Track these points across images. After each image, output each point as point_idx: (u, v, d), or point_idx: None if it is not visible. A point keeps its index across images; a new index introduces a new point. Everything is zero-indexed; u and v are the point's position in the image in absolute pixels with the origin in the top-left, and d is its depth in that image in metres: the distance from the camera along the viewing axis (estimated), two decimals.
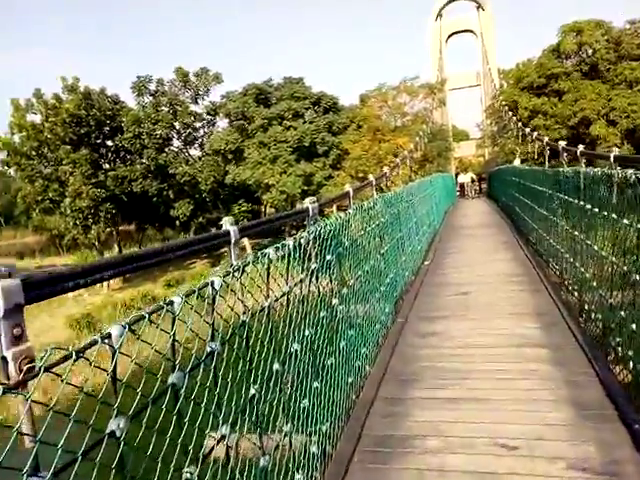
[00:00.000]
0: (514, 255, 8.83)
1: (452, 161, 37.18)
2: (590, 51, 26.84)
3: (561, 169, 6.22)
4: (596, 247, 4.39)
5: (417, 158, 26.47)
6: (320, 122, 27.30)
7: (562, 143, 8.51)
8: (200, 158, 30.26)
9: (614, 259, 3.82)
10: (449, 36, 37.98)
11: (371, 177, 6.89)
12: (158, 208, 31.04)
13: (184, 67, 28.94)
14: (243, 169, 26.31)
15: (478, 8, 36.26)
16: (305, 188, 26.41)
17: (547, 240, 7.36)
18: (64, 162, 25.32)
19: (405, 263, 7.10)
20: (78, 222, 26.29)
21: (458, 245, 10.81)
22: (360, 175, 26.35)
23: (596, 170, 4.32)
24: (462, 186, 32.38)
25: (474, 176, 32.62)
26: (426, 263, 8.97)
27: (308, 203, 3.20)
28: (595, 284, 4.44)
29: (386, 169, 11.05)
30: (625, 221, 3.46)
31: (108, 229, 29.05)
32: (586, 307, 4.81)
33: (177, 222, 31.17)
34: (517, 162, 22.19)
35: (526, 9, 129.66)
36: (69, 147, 25.38)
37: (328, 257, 3.19)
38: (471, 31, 37.45)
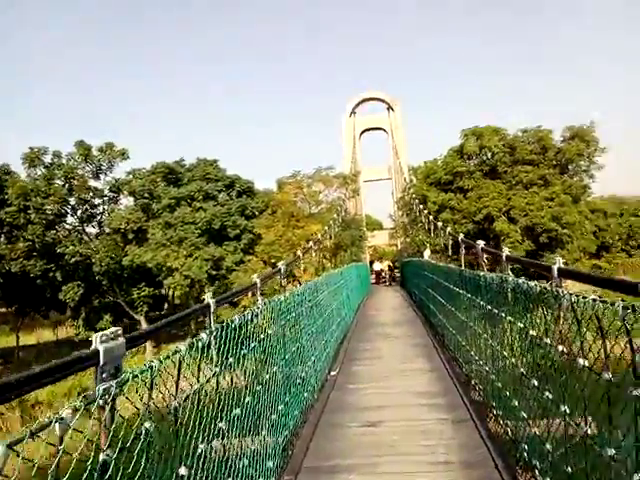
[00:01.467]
0: (431, 364, 7.59)
1: (366, 249, 37.42)
2: (489, 154, 29.10)
3: (463, 270, 6.19)
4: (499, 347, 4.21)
5: (330, 246, 25.93)
6: (233, 205, 26.22)
7: (461, 236, 8.05)
8: (97, 237, 27.48)
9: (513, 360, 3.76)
10: (362, 132, 40.03)
11: (280, 264, 5.99)
12: (44, 290, 27.20)
13: (86, 141, 26.99)
14: (144, 250, 24.00)
15: (388, 109, 38.93)
16: (213, 273, 24.53)
17: (464, 347, 6.34)
18: None
19: (304, 384, 5.52)
20: None
21: (371, 347, 9.48)
22: (273, 260, 25.09)
23: (493, 275, 4.51)
24: (377, 274, 33.32)
25: (390, 264, 33.28)
26: (333, 373, 7.46)
27: (209, 299, 2.99)
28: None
29: (299, 252, 9.83)
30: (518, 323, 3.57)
31: None
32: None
33: (68, 306, 27.38)
34: (427, 253, 22.28)
35: (433, 111, 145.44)
36: None
37: (230, 359, 3.04)
38: (382, 129, 39.81)
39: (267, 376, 4.07)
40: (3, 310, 31.60)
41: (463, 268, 6.55)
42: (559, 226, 24.01)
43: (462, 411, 5.19)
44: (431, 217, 16.57)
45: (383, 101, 39.53)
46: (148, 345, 26.44)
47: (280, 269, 5.93)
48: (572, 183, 25.85)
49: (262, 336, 4.09)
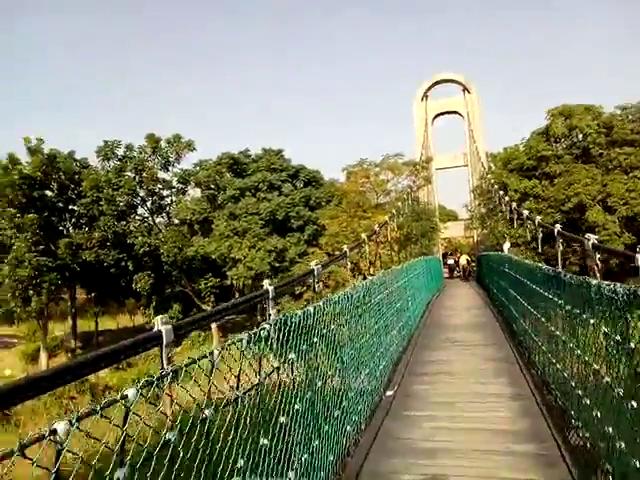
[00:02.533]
0: (513, 389, 6.03)
1: (438, 242, 35.19)
2: (580, 136, 25.84)
3: (561, 273, 4.68)
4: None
5: (399, 237, 24.33)
6: (296, 195, 25.40)
7: (558, 226, 6.07)
8: (166, 227, 27.92)
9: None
10: (435, 116, 37.59)
11: (345, 247, 6.33)
12: (119, 279, 28.18)
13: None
14: (209, 241, 23.87)
15: (464, 91, 36.15)
16: (276, 265, 23.90)
17: (558, 371, 4.85)
18: (7, 226, 22.74)
19: (346, 417, 4.29)
20: (17, 293, 23.21)
21: (438, 359, 8.04)
22: (337, 252, 24.04)
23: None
24: (450, 268, 31.14)
25: (468, 257, 31.00)
26: (389, 393, 6.17)
27: (267, 285, 2.95)
28: None
29: (364, 235, 8.86)
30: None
31: (52, 301, 25.87)
32: None
33: (141, 294, 28.18)
34: (507, 246, 19.99)
35: (514, 93, 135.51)
36: (14, 210, 22.95)
37: (291, 355, 2.99)
38: (457, 113, 37.11)
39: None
40: (84, 297, 33.27)
41: (561, 270, 4.91)
42: None
43: (560, 469, 3.71)
44: (514, 204, 14.54)
45: (458, 82, 36.79)
46: (215, 334, 26.51)
47: (345, 252, 6.03)
48: None
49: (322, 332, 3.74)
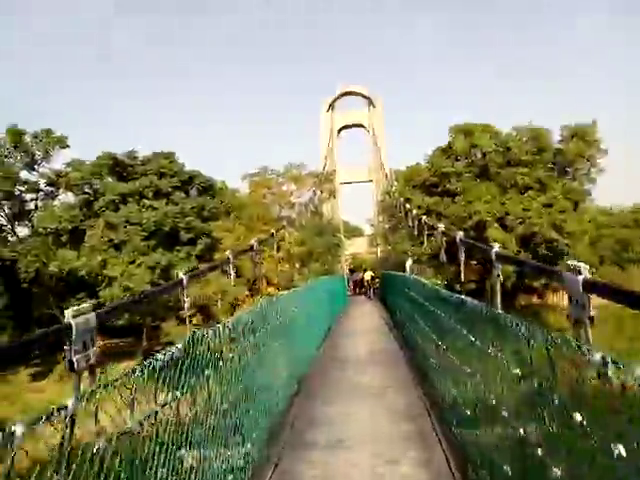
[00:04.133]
0: (429, 467, 4.26)
1: (343, 258, 34.13)
2: (480, 154, 26.20)
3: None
4: None
5: (301, 253, 22.58)
6: (188, 204, 22.59)
7: (460, 234, 5.56)
8: (29, 237, 23.48)
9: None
10: (341, 129, 36.88)
11: (228, 253, 5.51)
12: None
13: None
14: (76, 255, 20.17)
15: (369, 105, 35.89)
16: (161, 283, 20.82)
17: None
18: None
19: None
20: None
21: (331, 417, 6.07)
22: (233, 271, 21.64)
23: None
24: (356, 284, 30.86)
25: (372, 274, 30.46)
26: None
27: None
28: None
29: (253, 242, 7.11)
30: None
31: None
32: None
33: None
34: (409, 263, 19.12)
35: (415, 111, 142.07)
36: None
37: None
38: (363, 126, 36.73)
39: None
40: None
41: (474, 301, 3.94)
42: (560, 235, 21.13)
43: None
44: (417, 213, 13.65)
45: (363, 96, 36.47)
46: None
47: (229, 258, 5.35)
48: (573, 188, 23.01)
49: None
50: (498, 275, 3.71)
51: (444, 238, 9.38)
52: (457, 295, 4.73)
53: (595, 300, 2.21)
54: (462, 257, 5.65)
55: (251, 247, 7.16)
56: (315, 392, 7.18)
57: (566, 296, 2.35)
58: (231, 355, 3.95)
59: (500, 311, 3.17)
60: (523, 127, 25.15)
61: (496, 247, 3.78)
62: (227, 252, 5.47)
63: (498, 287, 3.73)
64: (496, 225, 22.33)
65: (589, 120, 24.52)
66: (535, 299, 28.17)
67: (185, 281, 3.67)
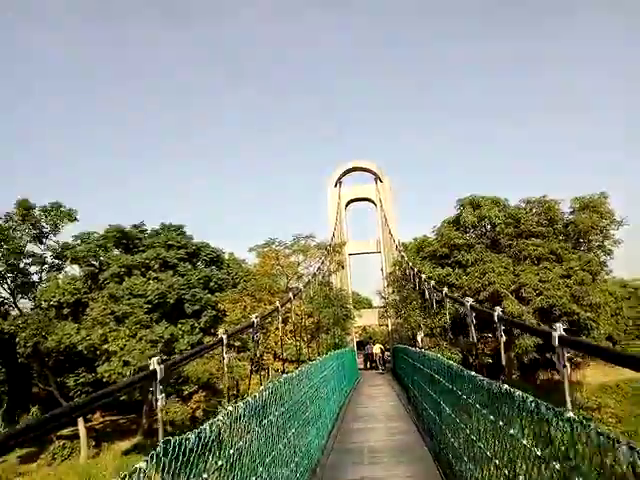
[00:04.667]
0: None
1: (352, 330, 32.97)
2: (489, 226, 25.97)
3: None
4: None
5: (309, 326, 21.68)
6: (194, 276, 22.15)
7: (469, 301, 5.50)
8: (32, 310, 22.91)
9: None
10: (349, 202, 37.23)
11: (221, 332, 4.74)
12: None
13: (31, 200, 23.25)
14: (77, 329, 19.45)
15: (376, 180, 36.46)
16: (164, 358, 19.83)
17: None
18: None
19: None
20: None
21: None
22: (237, 344, 20.71)
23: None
24: (367, 358, 31.05)
25: (381, 347, 31.12)
26: None
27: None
28: None
29: (253, 318, 6.47)
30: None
31: None
32: None
33: None
34: (421, 336, 18.25)
35: (425, 185, 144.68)
36: None
37: None
38: (370, 200, 37.09)
39: None
40: None
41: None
42: (581, 308, 20.18)
43: None
44: (423, 276, 13.09)
45: (370, 171, 37.14)
46: (83, 441, 21.13)
47: (254, 322, 5.28)
48: (590, 258, 22.33)
49: None
50: (501, 335, 3.87)
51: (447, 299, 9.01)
52: (473, 373, 4.54)
53: None
54: (473, 322, 5.49)
55: (251, 324, 6.52)
56: None
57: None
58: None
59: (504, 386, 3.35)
60: (532, 199, 25.05)
61: (498, 310, 3.91)
62: (220, 331, 4.95)
63: (502, 347, 4.01)
64: (511, 297, 21.49)
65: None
66: (557, 375, 26.61)
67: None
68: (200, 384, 18.90)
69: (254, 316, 5.83)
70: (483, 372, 4.54)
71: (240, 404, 3.88)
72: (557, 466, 2.48)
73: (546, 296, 20.40)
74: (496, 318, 3.89)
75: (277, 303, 7.49)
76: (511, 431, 3.31)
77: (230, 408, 3.51)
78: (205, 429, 2.76)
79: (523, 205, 25.53)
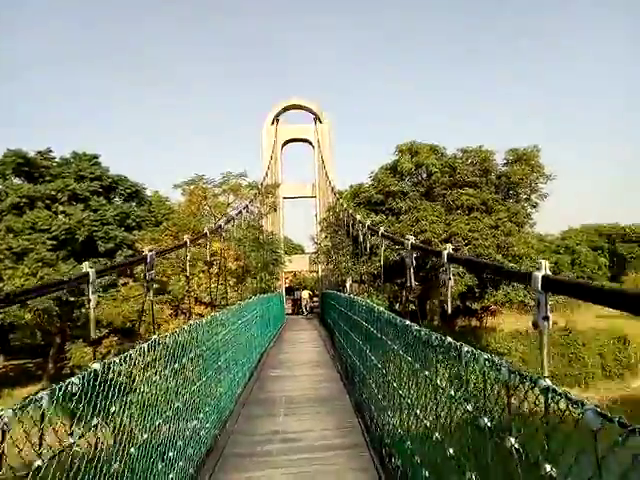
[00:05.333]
0: None
1: (282, 276, 32.35)
2: (425, 174, 25.65)
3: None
4: None
5: (237, 269, 20.59)
6: (108, 211, 20.00)
7: (411, 238, 4.84)
8: None
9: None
10: (286, 142, 35.41)
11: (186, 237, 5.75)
12: None
13: None
14: None
15: (316, 120, 34.78)
16: (71, 300, 18.04)
17: None
18: None
19: None
20: None
21: None
22: (156, 286, 19.24)
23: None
24: (294, 303, 32.57)
25: (310, 292, 33.00)
26: None
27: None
28: None
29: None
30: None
31: None
32: None
33: None
34: (349, 282, 17.88)
35: (363, 127, 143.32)
36: None
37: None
38: (308, 141, 35.48)
39: None
40: None
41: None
42: (505, 259, 20.60)
43: None
44: (358, 217, 12.56)
45: (310, 111, 35.32)
46: None
47: (147, 256, 4.27)
48: (518, 210, 22.73)
49: None
50: (450, 278, 3.65)
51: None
52: (400, 318, 4.51)
53: None
54: (412, 264, 4.98)
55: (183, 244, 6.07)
56: (232, 458, 5.38)
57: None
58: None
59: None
60: (469, 149, 24.87)
61: (449, 247, 3.65)
62: (146, 249, 4.44)
63: (450, 291, 3.53)
64: (442, 246, 21.50)
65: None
66: (475, 322, 27.78)
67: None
68: (112, 328, 17.42)
69: (147, 249, 4.75)
70: (408, 318, 4.36)
71: (143, 345, 3.52)
72: (469, 407, 2.59)
73: (474, 245, 20.62)
74: (445, 258, 3.43)
75: (185, 237, 6.33)
76: (426, 372, 3.42)
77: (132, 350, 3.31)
78: (96, 369, 2.65)
79: (460, 154, 25.35)
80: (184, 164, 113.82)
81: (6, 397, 19.89)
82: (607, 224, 36.12)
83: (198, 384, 5.26)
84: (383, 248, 8.59)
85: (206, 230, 10.45)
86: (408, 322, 4.17)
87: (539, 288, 1.98)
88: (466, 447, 2.67)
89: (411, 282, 5.16)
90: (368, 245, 11.31)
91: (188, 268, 8.10)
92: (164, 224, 23.35)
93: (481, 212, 22.58)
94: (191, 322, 5.37)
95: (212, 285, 17.09)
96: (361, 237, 13.86)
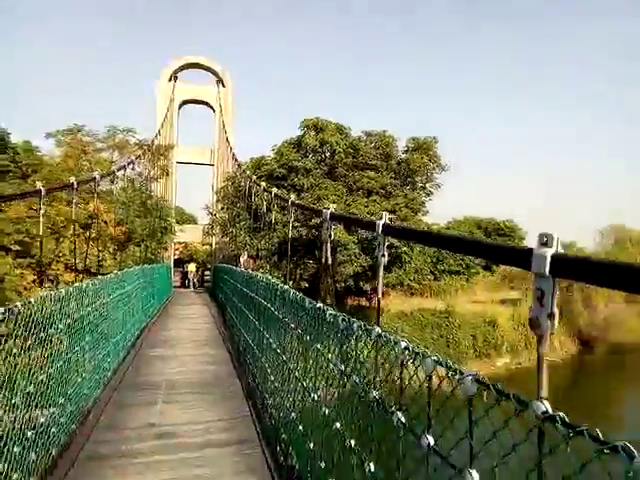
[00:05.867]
0: None
1: (172, 246, 30.24)
2: (329, 153, 25.34)
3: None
4: None
5: (119, 235, 18.52)
6: None
7: (331, 207, 4.48)
8: None
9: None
10: (183, 103, 32.70)
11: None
12: None
13: None
14: None
15: (218, 83, 32.56)
16: None
17: None
18: None
19: None
20: None
21: None
22: (17, 248, 16.49)
23: None
24: (185, 275, 31.33)
25: (198, 265, 33.01)
26: None
27: None
28: None
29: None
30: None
31: None
32: None
33: None
34: (244, 257, 16.93)
35: (268, 100, 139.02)
36: None
37: None
38: (209, 104, 33.15)
39: None
40: None
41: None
42: (399, 242, 21.12)
43: None
44: (263, 184, 11.88)
45: (213, 71, 32.99)
46: None
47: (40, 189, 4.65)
48: (414, 197, 23.46)
49: None
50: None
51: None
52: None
53: None
54: (330, 238, 4.62)
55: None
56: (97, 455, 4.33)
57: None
58: None
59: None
60: (373, 132, 25.03)
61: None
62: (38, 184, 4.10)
63: (381, 270, 3.16)
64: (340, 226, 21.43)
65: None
66: (364, 302, 28.55)
67: None
68: None
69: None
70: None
71: None
72: (357, 379, 2.65)
73: None
74: (380, 229, 3.17)
75: (38, 184, 5.00)
76: (318, 345, 3.44)
77: None
78: None
79: (364, 137, 25.43)
80: (72, 116, 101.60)
81: None
82: (485, 218, 39.25)
83: (56, 366, 4.19)
84: (291, 221, 7.98)
85: (96, 174, 9.02)
86: (320, 304, 3.60)
87: (546, 272, 1.39)
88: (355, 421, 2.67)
89: (328, 257, 4.55)
90: (273, 218, 10.57)
91: (42, 219, 6.56)
92: (32, 177, 20.21)
93: (380, 196, 22.90)
94: (49, 291, 4.24)
95: (87, 250, 15.03)
96: (264, 207, 13.04)
